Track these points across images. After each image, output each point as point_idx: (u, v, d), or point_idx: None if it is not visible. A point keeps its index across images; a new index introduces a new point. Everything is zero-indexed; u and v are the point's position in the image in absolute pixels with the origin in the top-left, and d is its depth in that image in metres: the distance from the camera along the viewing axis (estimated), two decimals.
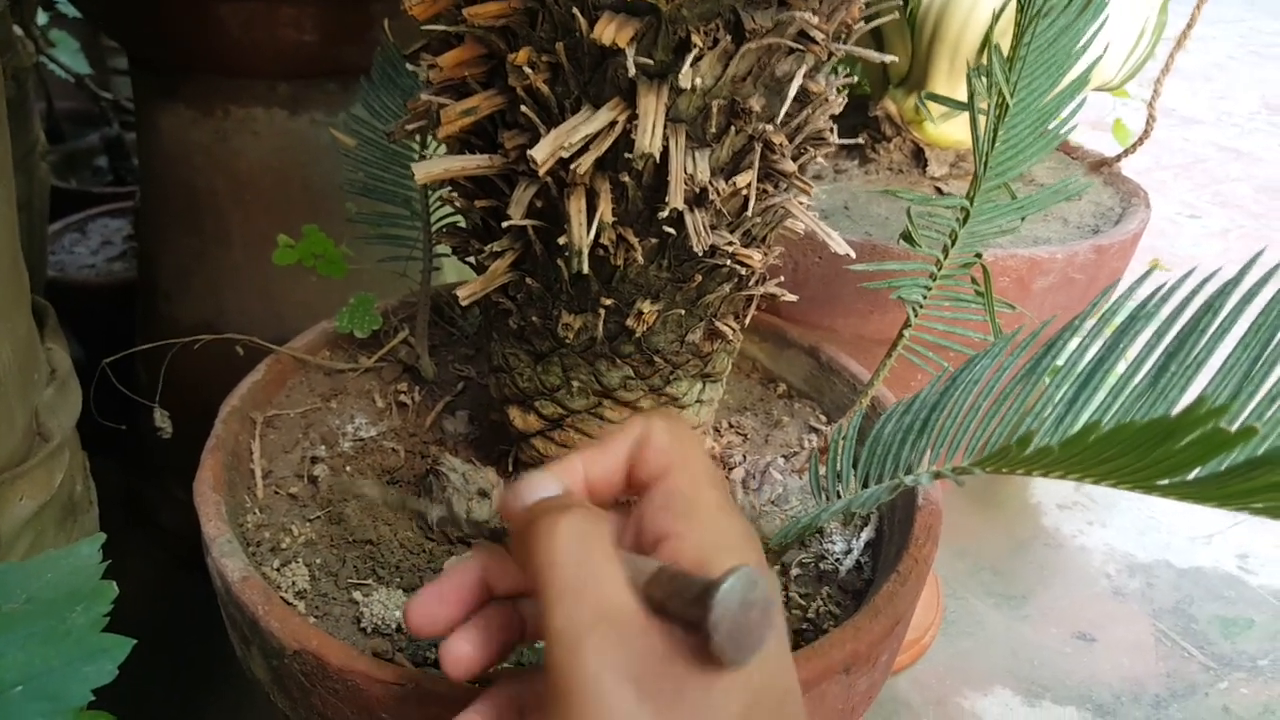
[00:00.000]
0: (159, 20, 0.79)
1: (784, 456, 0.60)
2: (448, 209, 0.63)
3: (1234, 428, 0.27)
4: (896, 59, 0.44)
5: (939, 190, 0.80)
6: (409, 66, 0.61)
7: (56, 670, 0.26)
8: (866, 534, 0.54)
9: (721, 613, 0.24)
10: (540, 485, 0.30)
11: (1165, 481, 0.32)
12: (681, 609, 0.26)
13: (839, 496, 0.43)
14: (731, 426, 0.63)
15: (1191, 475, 0.31)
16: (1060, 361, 0.38)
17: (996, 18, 0.60)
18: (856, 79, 0.48)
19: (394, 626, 0.46)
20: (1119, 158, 0.86)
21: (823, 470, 0.44)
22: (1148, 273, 0.37)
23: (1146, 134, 0.79)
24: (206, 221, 0.88)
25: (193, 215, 0.88)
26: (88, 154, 1.54)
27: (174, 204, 0.89)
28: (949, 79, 0.77)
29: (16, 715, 0.25)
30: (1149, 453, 0.30)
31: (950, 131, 0.80)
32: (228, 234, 0.88)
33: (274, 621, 0.41)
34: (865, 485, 0.42)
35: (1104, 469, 0.32)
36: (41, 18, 1.31)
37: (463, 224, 0.54)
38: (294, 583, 0.47)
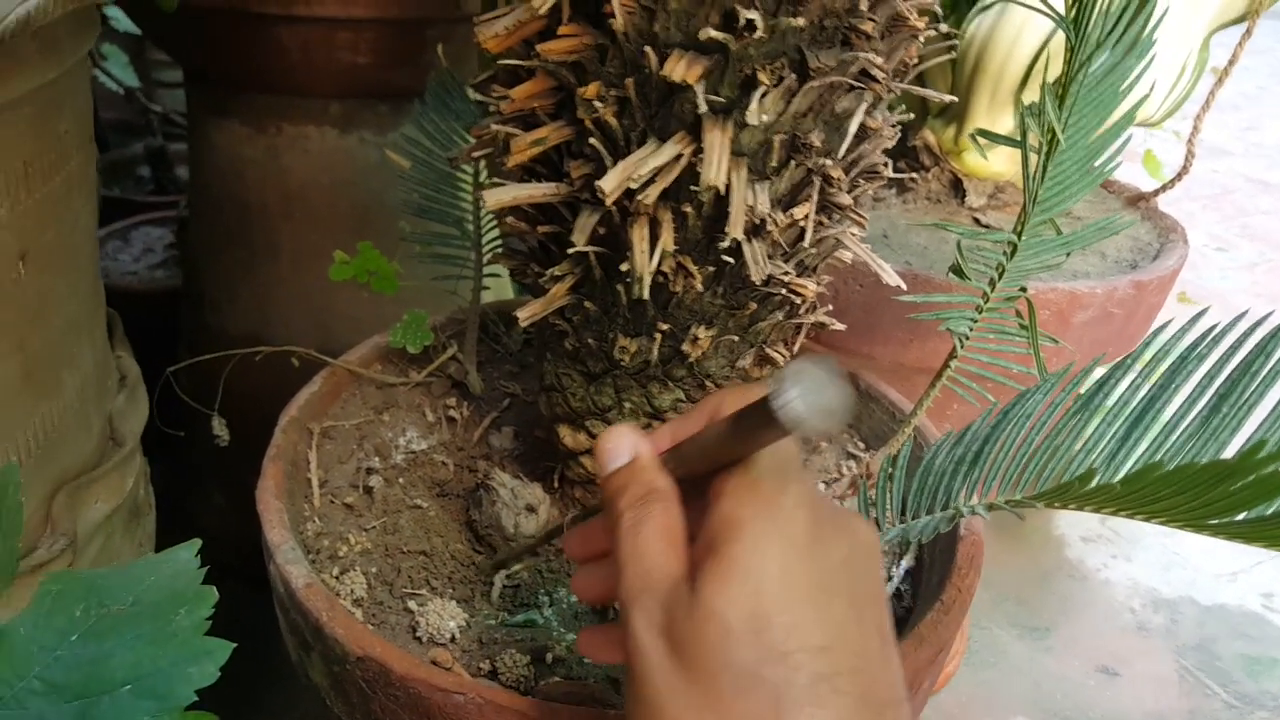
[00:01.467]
0: (218, 39, 0.81)
1: (824, 482, 0.61)
2: (496, 231, 0.65)
3: None
4: (953, 99, 0.45)
5: (977, 220, 0.81)
6: (473, 95, 0.63)
7: (163, 671, 0.27)
8: (906, 562, 0.55)
9: (790, 378, 0.26)
10: (616, 453, 0.35)
11: (1216, 521, 0.33)
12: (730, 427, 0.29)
13: (889, 524, 0.43)
14: None
15: (1240, 516, 0.32)
16: (1111, 400, 0.39)
17: (1037, 55, 0.61)
18: (911, 115, 0.49)
19: (449, 636, 0.47)
20: (1157, 193, 0.87)
21: (872, 495, 0.45)
22: (1200, 314, 0.38)
23: (1186, 169, 0.80)
24: (256, 235, 0.90)
25: (242, 228, 0.91)
26: (131, 163, 1.58)
27: (224, 217, 0.92)
28: (990, 111, 0.78)
29: (126, 713, 0.26)
30: (1206, 493, 0.31)
31: (989, 164, 0.82)
32: (276, 248, 0.90)
33: (338, 628, 0.42)
34: (914, 515, 0.43)
35: (1159, 506, 0.33)
36: None
37: (517, 246, 0.55)
38: (352, 590, 0.48)
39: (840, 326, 0.52)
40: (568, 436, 0.54)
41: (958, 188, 0.82)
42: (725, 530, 0.30)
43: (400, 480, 0.57)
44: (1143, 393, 0.37)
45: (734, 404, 0.33)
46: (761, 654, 0.27)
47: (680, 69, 0.40)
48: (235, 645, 0.29)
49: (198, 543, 0.32)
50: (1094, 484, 0.31)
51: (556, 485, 0.58)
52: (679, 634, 0.29)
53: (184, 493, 1.02)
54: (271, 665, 0.54)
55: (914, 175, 0.83)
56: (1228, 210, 2.42)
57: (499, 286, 0.97)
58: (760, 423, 0.28)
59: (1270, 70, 3.79)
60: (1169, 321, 0.38)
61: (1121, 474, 0.35)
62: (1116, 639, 1.11)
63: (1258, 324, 0.38)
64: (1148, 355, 0.38)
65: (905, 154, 0.86)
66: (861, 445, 0.65)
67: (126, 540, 0.54)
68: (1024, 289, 0.55)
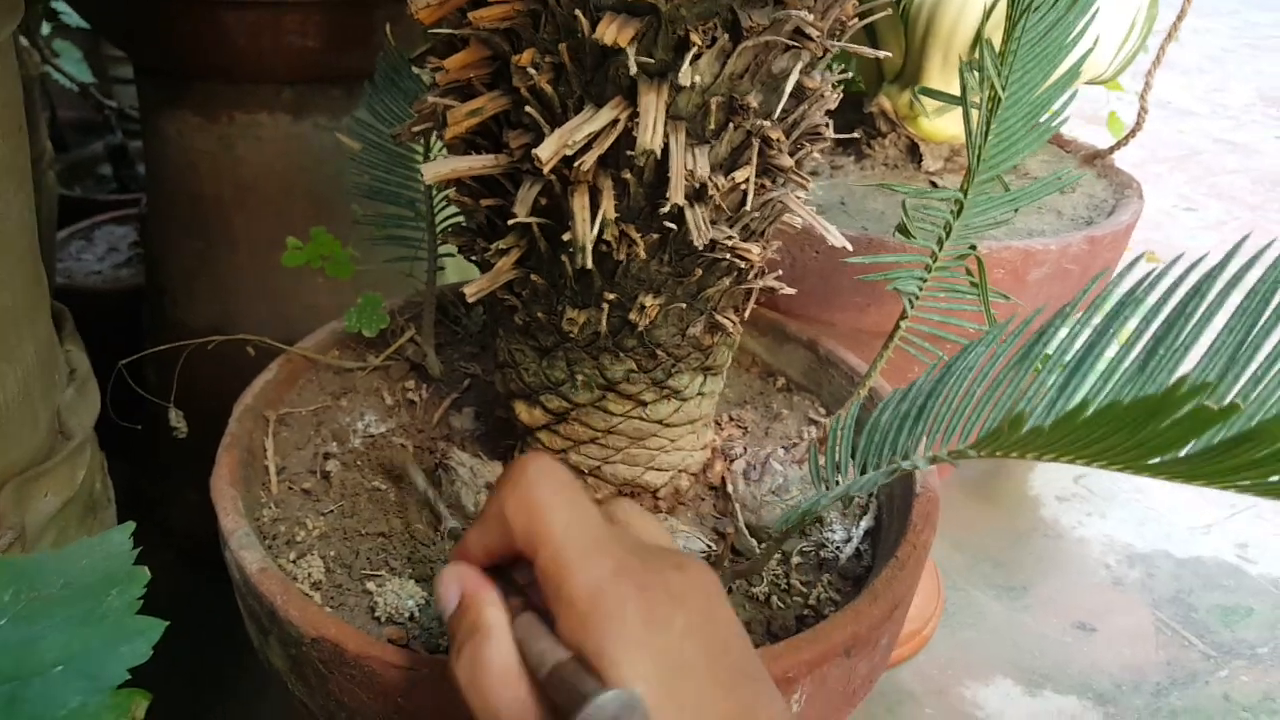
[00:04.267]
0: (164, 28, 0.80)
1: (784, 448, 0.61)
2: (452, 209, 0.64)
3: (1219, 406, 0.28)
4: (890, 55, 0.45)
5: (934, 184, 0.81)
6: (413, 70, 0.62)
7: (94, 651, 0.27)
8: (866, 522, 0.56)
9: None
10: (446, 598, 0.35)
11: (1155, 460, 0.33)
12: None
13: (838, 484, 0.44)
14: (732, 419, 0.64)
15: (1182, 453, 0.32)
16: (1051, 349, 0.39)
17: (988, 13, 0.61)
18: (851, 75, 0.49)
19: (407, 615, 0.47)
20: (1111, 150, 0.87)
21: (822, 459, 0.45)
22: (1135, 260, 0.38)
23: (1138, 127, 0.80)
24: (212, 226, 0.89)
25: (198, 220, 0.90)
26: (92, 162, 1.56)
27: (180, 209, 0.91)
28: (942, 74, 0.78)
29: (58, 693, 0.26)
30: (1137, 431, 0.31)
31: (944, 126, 0.82)
32: (233, 238, 0.89)
33: (292, 610, 0.42)
34: (863, 472, 0.43)
35: (1095, 449, 0.33)
36: (45, 28, 1.32)
37: (468, 224, 0.55)
38: (310, 574, 0.48)
39: (790, 290, 0.52)
40: (523, 412, 0.54)
41: (914, 152, 0.82)
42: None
43: (358, 464, 0.57)
44: (1081, 340, 0.38)
45: (514, 504, 0.33)
46: None
47: (612, 32, 0.39)
48: (168, 624, 0.29)
49: (131, 525, 0.32)
50: (1025, 429, 0.31)
51: None
52: None
53: (153, 490, 1.01)
54: (241, 654, 0.54)
55: (870, 141, 0.83)
56: (1195, 171, 2.44)
57: (463, 267, 0.96)
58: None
59: (1233, 32, 3.81)
60: (1104, 270, 0.38)
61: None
62: (1093, 595, 1.12)
63: (1191, 267, 0.38)
64: (1086, 304, 0.39)
65: (862, 120, 0.85)
66: (823, 411, 0.65)
67: (81, 533, 0.53)
68: (974, 246, 0.55)
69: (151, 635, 0.28)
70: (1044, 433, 0.31)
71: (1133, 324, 0.38)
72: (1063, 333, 0.38)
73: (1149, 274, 0.40)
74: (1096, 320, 0.40)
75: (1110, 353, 0.38)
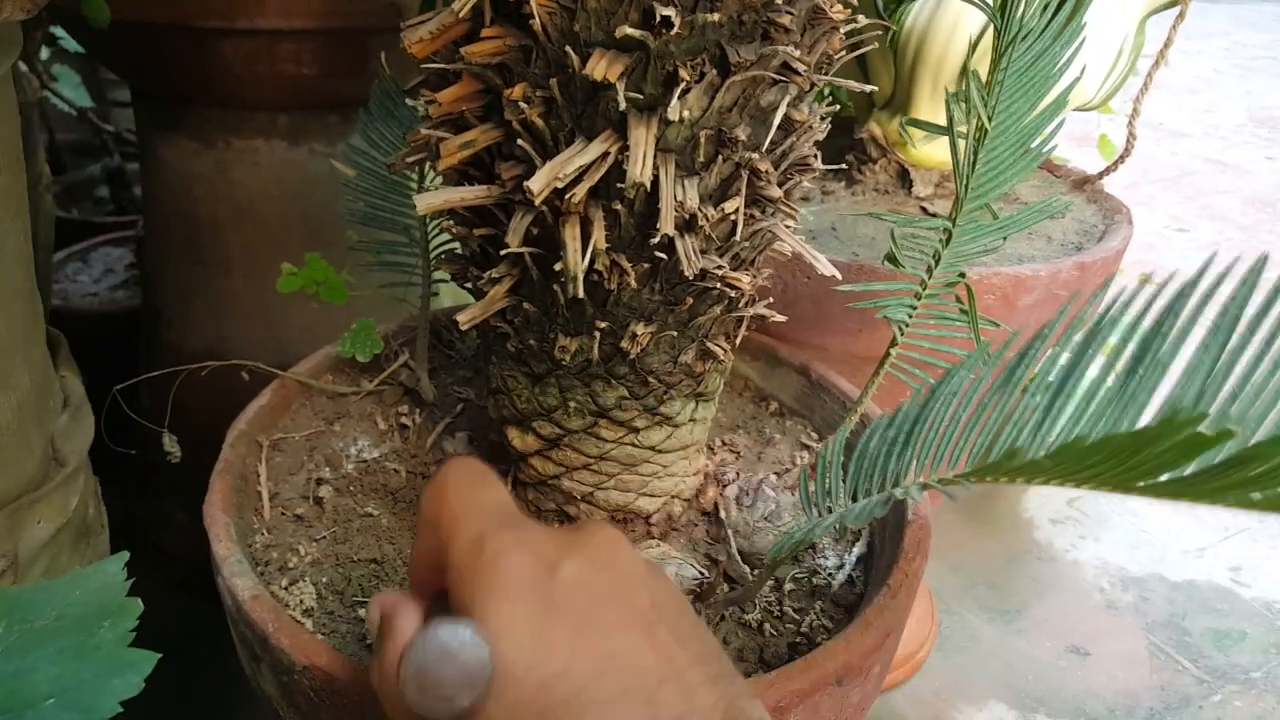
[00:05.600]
0: (161, 55, 0.81)
1: (776, 473, 0.61)
2: (445, 236, 0.65)
3: (1205, 429, 0.29)
4: (877, 89, 0.45)
5: (925, 210, 0.82)
6: (407, 100, 0.63)
7: (86, 683, 0.27)
8: (859, 549, 0.56)
9: (407, 667, 0.29)
10: (372, 625, 0.35)
11: (1142, 483, 0.34)
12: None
13: (829, 511, 0.44)
14: (725, 444, 0.65)
15: (1164, 477, 0.33)
16: (1036, 370, 0.40)
17: (974, 45, 0.62)
18: (840, 106, 0.50)
19: None
20: (1101, 175, 0.88)
21: (813, 486, 0.46)
22: (1106, 284, 0.39)
23: (1128, 152, 0.81)
24: (208, 250, 0.90)
25: (194, 244, 0.90)
26: (89, 184, 1.56)
27: (176, 233, 0.91)
28: (932, 101, 0.79)
29: None
30: (1129, 458, 0.32)
31: (934, 152, 0.82)
32: (228, 262, 0.90)
33: (283, 638, 0.42)
34: (854, 499, 0.43)
35: (1086, 474, 0.34)
36: (44, 53, 1.33)
37: (461, 251, 0.55)
38: (301, 600, 0.48)
39: (781, 318, 0.52)
40: (516, 438, 0.54)
41: (905, 178, 0.83)
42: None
43: (351, 489, 0.57)
44: (1061, 362, 0.38)
45: (430, 495, 0.34)
46: None
47: (601, 67, 0.40)
48: (160, 655, 0.29)
49: (125, 555, 0.32)
50: (1024, 460, 0.31)
51: (511, 488, 0.58)
52: None
53: (146, 513, 1.01)
54: (233, 680, 0.54)
55: (860, 166, 0.84)
56: (1188, 191, 2.46)
57: (457, 292, 0.97)
58: None
59: (1224, 53, 3.86)
60: (1077, 292, 0.39)
61: (1048, 443, 0.36)
62: (1087, 619, 1.12)
63: (1163, 285, 0.38)
64: (1064, 325, 0.39)
65: (853, 146, 0.86)
66: (815, 436, 0.66)
67: (75, 560, 0.53)
68: (963, 274, 0.56)
69: (143, 668, 0.28)
70: (1042, 464, 0.31)
71: (1112, 341, 0.38)
72: (1047, 353, 0.39)
73: (1120, 293, 0.40)
74: (1073, 341, 0.41)
75: (1092, 372, 0.39)
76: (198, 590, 0.70)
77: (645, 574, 0.33)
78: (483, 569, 0.30)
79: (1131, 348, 0.35)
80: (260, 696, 0.48)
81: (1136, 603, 1.15)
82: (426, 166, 0.63)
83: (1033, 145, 0.58)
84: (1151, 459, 0.31)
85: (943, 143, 0.82)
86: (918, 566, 0.50)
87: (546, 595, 0.30)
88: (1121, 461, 0.32)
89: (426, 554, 0.35)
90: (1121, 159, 0.81)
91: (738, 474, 0.61)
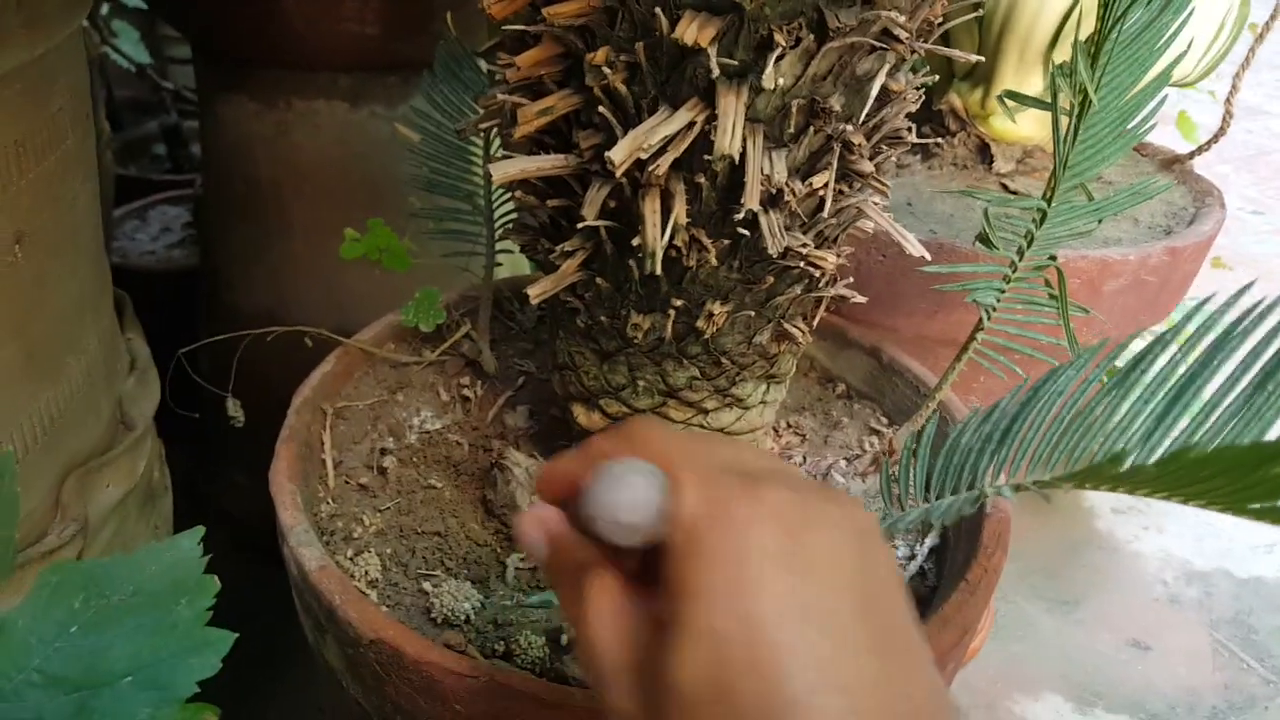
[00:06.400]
0: (224, 13, 0.80)
1: (845, 459, 0.59)
2: (510, 205, 0.63)
3: None
4: (981, 59, 0.42)
5: (1005, 187, 0.79)
6: (480, 63, 0.61)
7: (164, 662, 0.26)
8: (930, 540, 0.54)
9: (591, 494, 0.28)
10: (531, 542, 0.32)
11: (1257, 505, 0.31)
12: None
13: (912, 504, 0.42)
14: (790, 427, 0.63)
15: None
16: (1148, 376, 0.37)
17: (1067, 13, 0.58)
18: (936, 77, 0.47)
19: (463, 618, 0.46)
20: (1192, 155, 0.83)
21: (894, 473, 0.44)
22: (1246, 287, 0.36)
23: (1222, 131, 0.77)
24: (268, 212, 0.89)
25: (254, 205, 0.90)
26: (146, 141, 1.57)
27: (236, 194, 0.91)
28: (1017, 72, 0.76)
29: (127, 705, 0.26)
30: (1245, 476, 0.29)
31: (1017, 127, 0.79)
32: (289, 224, 0.89)
33: (351, 611, 0.41)
34: (939, 494, 0.41)
35: (1196, 489, 0.32)
36: (103, 8, 1.34)
37: (530, 221, 0.54)
38: (366, 572, 0.48)
39: (861, 299, 0.50)
40: (582, 416, 0.53)
41: (984, 153, 0.80)
42: (671, 593, 0.26)
43: (414, 460, 0.57)
44: (1182, 370, 0.35)
45: (640, 425, 0.31)
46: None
47: (692, 31, 0.38)
48: (238, 635, 0.28)
49: (200, 530, 0.31)
50: (1127, 466, 0.29)
51: None
52: (654, 712, 0.26)
53: (205, 474, 1.02)
54: (291, 642, 0.54)
55: (939, 140, 0.81)
56: (1263, 172, 2.35)
57: (515, 261, 0.95)
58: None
59: None
60: (1212, 295, 0.36)
61: (1158, 455, 0.33)
62: (1148, 612, 1.09)
63: None
64: (1189, 330, 0.36)
65: (931, 118, 0.83)
66: (884, 420, 0.64)
67: (141, 523, 0.53)
68: (1054, 257, 0.53)
69: (221, 648, 0.27)
70: (1147, 472, 0.29)
71: (1240, 356, 0.36)
72: (1162, 360, 0.36)
73: (1260, 303, 0.37)
74: (1199, 349, 0.38)
75: (1212, 386, 0.36)
76: (256, 550, 0.70)
77: (892, 575, 0.28)
78: (711, 552, 0.26)
79: (1262, 362, 0.32)
80: (322, 666, 0.48)
81: (1201, 598, 1.11)
82: (493, 133, 0.62)
83: (1132, 124, 0.54)
84: (1270, 479, 0.29)
85: (1026, 117, 0.78)
86: (997, 562, 0.48)
87: (806, 599, 0.26)
88: (1236, 479, 0.30)
89: (608, 449, 0.31)
90: (1216, 138, 0.77)
91: (805, 457, 0.59)
